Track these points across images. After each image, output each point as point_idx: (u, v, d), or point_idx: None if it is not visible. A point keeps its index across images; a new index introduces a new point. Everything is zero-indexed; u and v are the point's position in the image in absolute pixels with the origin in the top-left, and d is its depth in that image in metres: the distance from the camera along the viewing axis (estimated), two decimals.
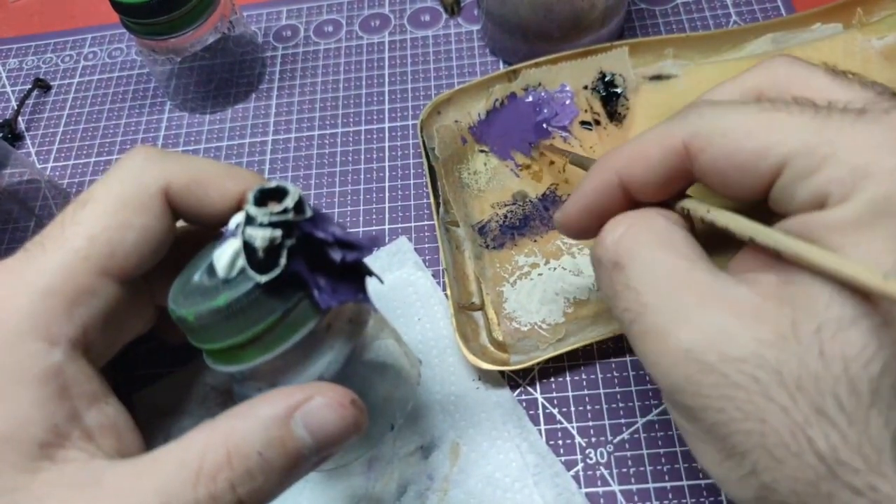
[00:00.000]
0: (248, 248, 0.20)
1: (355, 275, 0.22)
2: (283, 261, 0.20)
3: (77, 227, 0.23)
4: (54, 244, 0.22)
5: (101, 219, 0.23)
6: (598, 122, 0.38)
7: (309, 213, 0.20)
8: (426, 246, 0.37)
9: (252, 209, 0.20)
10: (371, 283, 0.23)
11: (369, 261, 0.36)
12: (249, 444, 0.19)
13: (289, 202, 0.20)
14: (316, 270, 0.21)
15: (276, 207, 0.20)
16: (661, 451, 0.30)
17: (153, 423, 0.31)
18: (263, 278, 0.20)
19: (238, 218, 0.21)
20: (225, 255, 0.20)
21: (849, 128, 0.18)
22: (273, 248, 0.20)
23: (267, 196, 0.20)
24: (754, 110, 0.19)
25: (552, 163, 0.37)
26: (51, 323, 0.21)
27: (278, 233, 0.20)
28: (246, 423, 0.19)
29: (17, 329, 0.21)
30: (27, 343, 0.21)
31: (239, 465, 0.19)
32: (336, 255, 0.21)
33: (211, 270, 0.21)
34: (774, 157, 0.18)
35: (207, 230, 0.25)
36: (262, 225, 0.20)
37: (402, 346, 0.28)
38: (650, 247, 0.20)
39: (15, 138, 0.45)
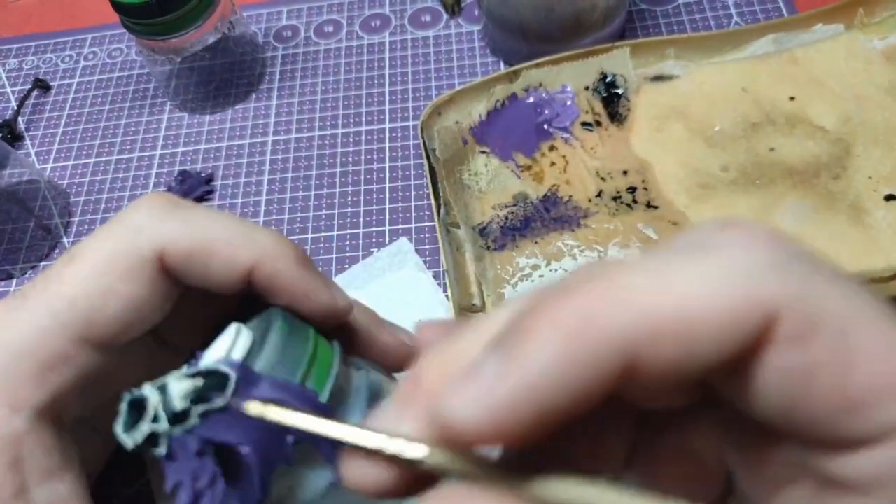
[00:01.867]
0: None
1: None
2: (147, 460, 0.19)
3: (59, 287, 0.20)
4: (36, 302, 0.20)
5: (84, 282, 0.20)
6: (599, 123, 0.38)
7: (161, 452, 0.18)
8: (427, 247, 0.37)
9: (118, 423, 0.18)
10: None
11: (370, 262, 0.36)
12: None
13: (129, 442, 0.18)
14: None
15: (123, 437, 0.18)
16: None
17: None
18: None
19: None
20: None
21: None
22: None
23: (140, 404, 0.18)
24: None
25: (553, 164, 0.37)
26: (18, 388, 0.20)
27: (132, 447, 0.18)
28: None
29: None
30: None
31: None
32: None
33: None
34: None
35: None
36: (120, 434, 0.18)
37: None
38: None
39: (15, 138, 0.45)
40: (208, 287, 0.21)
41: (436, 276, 0.35)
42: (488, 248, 0.35)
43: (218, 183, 0.41)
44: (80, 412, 0.22)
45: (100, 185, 0.42)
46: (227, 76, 0.44)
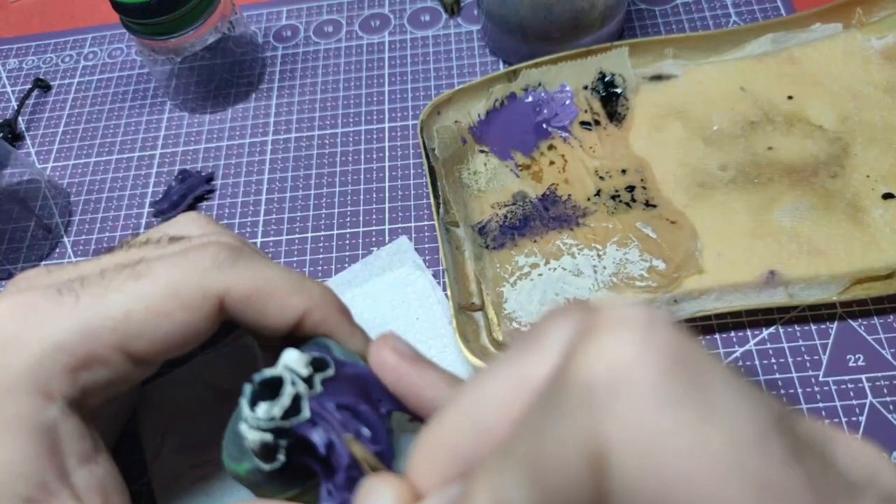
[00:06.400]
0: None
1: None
2: (281, 457, 0.19)
3: (118, 296, 0.22)
4: (89, 301, 0.22)
5: (146, 300, 0.22)
6: (598, 123, 0.38)
7: (305, 415, 0.19)
8: (426, 246, 0.37)
9: (245, 410, 0.19)
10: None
11: (370, 260, 0.36)
12: None
13: (276, 410, 0.19)
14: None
15: (263, 412, 0.19)
16: None
17: (151, 420, 0.31)
18: (266, 467, 0.20)
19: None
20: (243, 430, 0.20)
21: None
22: (270, 446, 0.19)
23: (267, 385, 0.19)
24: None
25: (552, 163, 0.37)
26: (51, 379, 0.21)
27: (269, 437, 0.19)
28: None
29: (17, 378, 0.20)
30: (24, 395, 0.20)
31: None
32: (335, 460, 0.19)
33: None
34: None
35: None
36: (252, 428, 0.19)
37: None
38: None
39: (15, 138, 0.45)
40: (258, 329, 0.23)
41: (435, 275, 0.35)
42: (487, 246, 0.35)
43: (218, 182, 0.41)
44: (97, 408, 0.23)
45: (100, 184, 0.43)
46: (227, 76, 0.44)
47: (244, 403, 0.19)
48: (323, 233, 0.38)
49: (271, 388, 0.19)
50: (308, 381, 0.20)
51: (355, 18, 0.48)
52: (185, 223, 0.26)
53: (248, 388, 0.19)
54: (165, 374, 0.32)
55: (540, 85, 0.39)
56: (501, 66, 0.43)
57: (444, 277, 0.33)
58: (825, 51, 0.38)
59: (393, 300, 0.34)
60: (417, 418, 0.21)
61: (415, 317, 0.34)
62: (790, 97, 0.37)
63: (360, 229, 0.38)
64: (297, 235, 0.38)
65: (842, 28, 0.39)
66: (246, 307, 0.22)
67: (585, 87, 0.39)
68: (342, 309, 0.24)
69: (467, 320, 0.33)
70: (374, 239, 0.38)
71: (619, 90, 0.39)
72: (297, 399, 0.19)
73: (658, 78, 0.39)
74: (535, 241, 0.35)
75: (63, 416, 0.21)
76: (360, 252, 0.37)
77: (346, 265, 0.37)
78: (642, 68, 0.39)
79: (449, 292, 0.32)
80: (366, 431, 0.20)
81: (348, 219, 0.39)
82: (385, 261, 0.36)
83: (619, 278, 0.33)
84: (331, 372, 0.20)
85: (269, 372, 0.20)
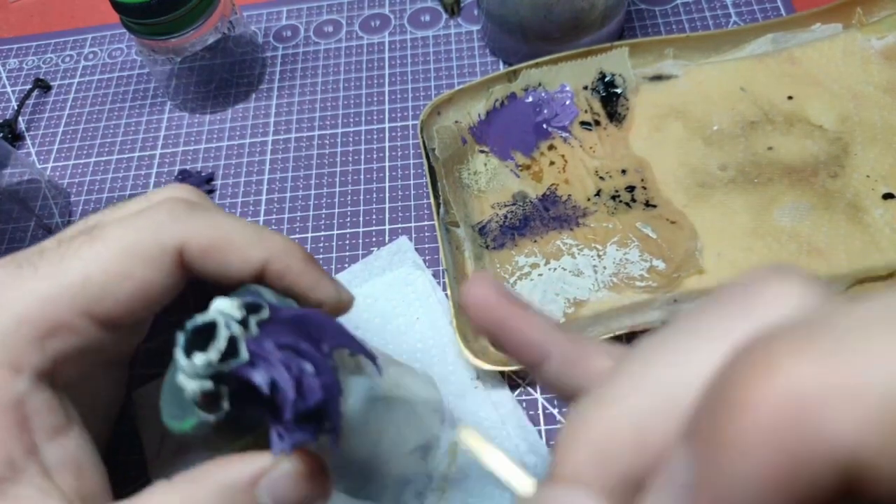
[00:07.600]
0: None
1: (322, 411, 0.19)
2: (224, 405, 0.19)
3: (76, 262, 0.21)
4: (47, 271, 0.21)
5: (103, 262, 0.21)
6: (598, 123, 0.38)
7: (244, 356, 0.18)
8: (426, 246, 0.37)
9: (181, 359, 0.18)
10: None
11: (370, 260, 0.36)
12: None
13: (213, 355, 0.18)
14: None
15: (200, 359, 0.18)
16: None
17: (151, 420, 0.31)
18: (211, 418, 0.19)
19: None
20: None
21: None
22: (212, 394, 0.19)
23: (201, 333, 0.19)
24: None
25: (552, 163, 0.37)
26: (19, 351, 0.21)
27: (208, 384, 0.18)
28: (202, 490, 0.19)
29: None
30: None
31: None
32: (282, 403, 0.18)
33: None
34: None
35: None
36: (190, 377, 0.18)
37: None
38: None
39: (15, 138, 0.45)
40: (221, 280, 0.23)
41: (435, 275, 0.35)
42: (487, 246, 0.35)
43: (218, 182, 0.41)
44: (77, 380, 0.23)
45: (100, 184, 0.43)
46: (227, 76, 0.44)
47: (179, 353, 0.18)
48: (323, 233, 0.38)
49: (205, 337, 0.19)
50: (243, 323, 0.19)
51: (355, 18, 0.48)
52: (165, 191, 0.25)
53: (181, 337, 0.19)
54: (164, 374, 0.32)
55: (540, 85, 0.39)
56: (501, 66, 0.43)
57: (444, 277, 0.33)
58: (825, 51, 0.38)
59: (393, 300, 0.34)
60: (361, 353, 0.21)
61: (415, 317, 0.34)
62: (790, 97, 0.37)
63: (360, 229, 0.38)
64: (297, 235, 0.38)
65: (842, 28, 0.39)
66: (205, 258, 0.22)
67: (585, 87, 0.39)
68: (307, 258, 0.24)
69: (467, 320, 0.33)
70: (374, 239, 0.38)
71: (619, 90, 0.39)
72: (233, 342, 0.19)
73: (658, 78, 0.39)
74: (535, 241, 0.35)
75: (32, 389, 0.21)
76: (360, 252, 0.37)
77: (346, 265, 0.37)
78: (642, 68, 0.39)
79: (449, 292, 0.32)
80: (309, 367, 0.19)
81: (348, 219, 0.39)
82: (385, 261, 0.36)
83: (619, 278, 0.33)
84: (265, 314, 0.20)
85: (200, 318, 0.19)
